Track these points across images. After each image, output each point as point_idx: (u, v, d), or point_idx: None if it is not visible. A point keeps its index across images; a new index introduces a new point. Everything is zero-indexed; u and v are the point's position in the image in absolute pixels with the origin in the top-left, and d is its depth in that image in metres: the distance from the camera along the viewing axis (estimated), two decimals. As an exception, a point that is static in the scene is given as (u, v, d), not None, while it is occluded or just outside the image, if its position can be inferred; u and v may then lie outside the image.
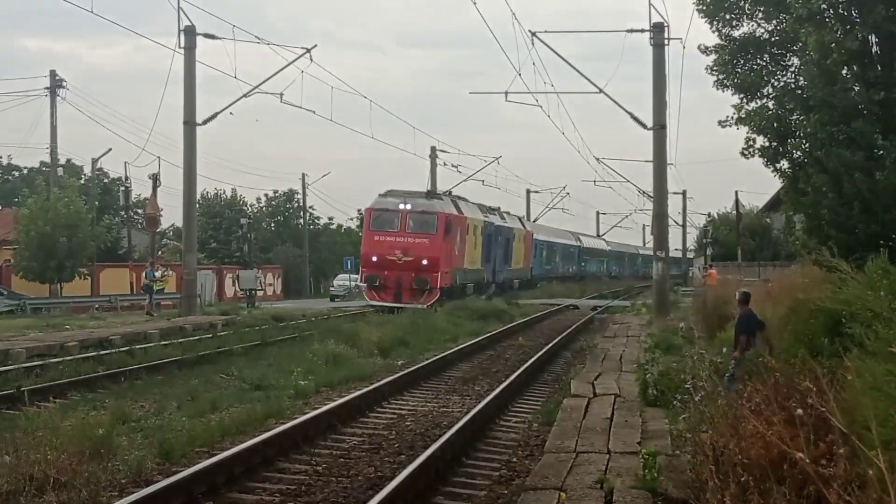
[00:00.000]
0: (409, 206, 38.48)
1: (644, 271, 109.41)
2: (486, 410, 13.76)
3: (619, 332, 28.73)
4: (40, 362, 18.00)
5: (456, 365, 20.69)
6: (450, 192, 43.92)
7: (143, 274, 35.35)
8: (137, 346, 21.55)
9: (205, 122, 34.52)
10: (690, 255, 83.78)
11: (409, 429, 13.08)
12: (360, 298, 45.12)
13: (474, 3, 27.54)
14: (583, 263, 79.83)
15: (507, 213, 54.65)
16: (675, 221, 72.47)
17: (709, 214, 75.69)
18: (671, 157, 67.32)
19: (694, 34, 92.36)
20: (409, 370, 18.39)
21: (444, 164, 56.58)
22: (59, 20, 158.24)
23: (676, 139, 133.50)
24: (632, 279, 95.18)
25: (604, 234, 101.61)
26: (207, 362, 19.38)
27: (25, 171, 70.91)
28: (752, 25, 17.91)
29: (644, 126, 33.64)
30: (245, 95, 34.01)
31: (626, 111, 34.12)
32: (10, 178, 72.56)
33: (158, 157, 48.94)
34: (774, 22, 17.45)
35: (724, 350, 13.87)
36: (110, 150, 64.16)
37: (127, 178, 50.02)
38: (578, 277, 75.61)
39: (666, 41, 33.00)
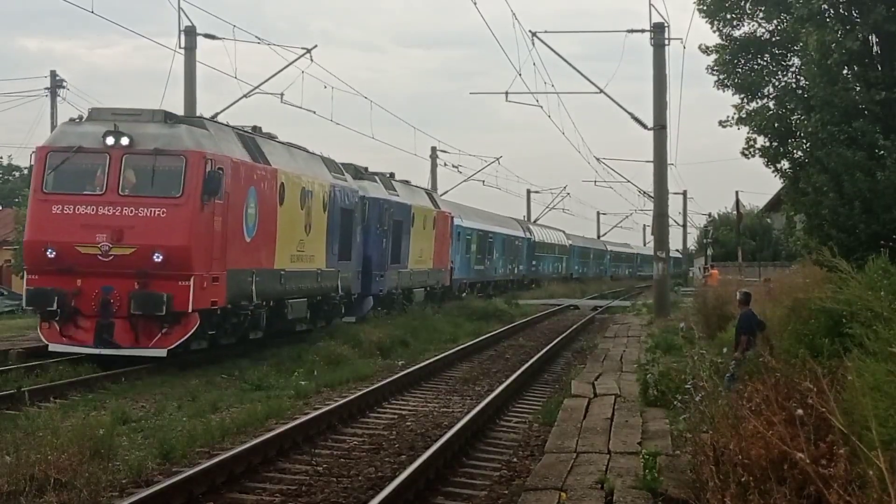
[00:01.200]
0: (126, 141, 18.02)
1: (613, 272, 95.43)
2: (487, 410, 13.76)
3: (619, 332, 28.76)
4: (40, 362, 17.99)
5: (456, 365, 20.69)
6: (255, 129, 22.44)
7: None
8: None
9: (204, 123, 34.37)
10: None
11: (410, 429, 13.08)
12: None
13: (474, 3, 27.55)
14: (534, 262, 61.81)
15: (406, 182, 34.73)
16: (675, 222, 72.30)
17: (709, 215, 75.82)
18: (671, 158, 67.13)
19: (694, 34, 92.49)
20: (409, 370, 18.40)
21: (445, 165, 56.20)
22: (59, 20, 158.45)
23: (677, 139, 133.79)
24: (598, 282, 78.59)
25: (604, 235, 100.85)
26: (208, 362, 19.38)
27: (26, 172, 70.81)
28: (753, 25, 17.91)
29: (644, 126, 33.65)
30: (245, 96, 33.89)
31: (627, 111, 34.16)
32: (10, 178, 72.52)
33: (159, 157, 48.73)
34: (775, 22, 17.44)
35: (725, 350, 13.89)
36: (111, 150, 63.77)
37: (127, 179, 49.86)
38: (528, 281, 59.49)
39: (666, 41, 33.01)
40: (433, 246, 36.61)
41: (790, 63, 17.84)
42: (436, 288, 37.15)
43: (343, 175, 26.78)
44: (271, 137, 22.94)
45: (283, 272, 21.73)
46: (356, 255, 27.36)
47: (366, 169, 30.10)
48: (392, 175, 32.92)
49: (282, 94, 33.10)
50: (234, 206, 19.30)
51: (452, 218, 40.41)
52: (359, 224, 27.56)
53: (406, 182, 34.86)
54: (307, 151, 24.94)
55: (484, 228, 48.94)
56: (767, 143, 17.43)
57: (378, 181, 30.55)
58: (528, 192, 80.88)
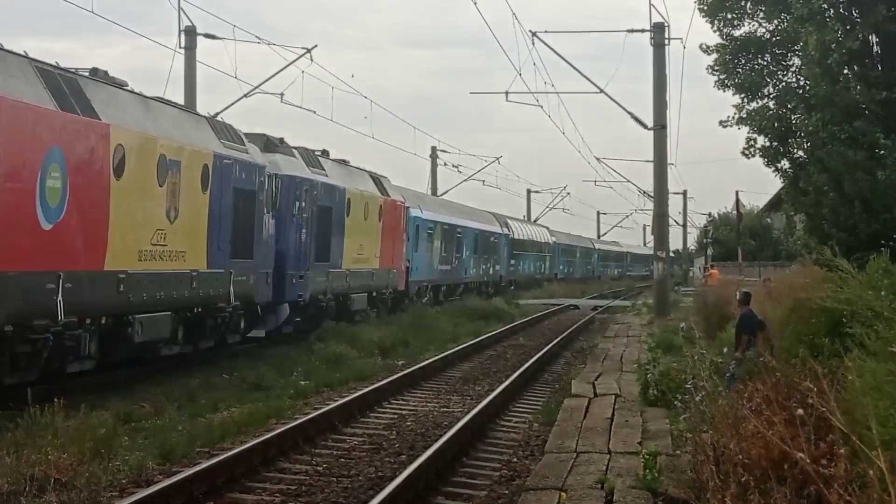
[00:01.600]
0: None
1: (602, 271, 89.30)
2: (487, 410, 13.76)
3: (619, 332, 28.78)
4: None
5: (456, 365, 20.69)
6: (96, 72, 15.36)
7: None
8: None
9: (204, 122, 34.10)
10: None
11: (410, 429, 13.08)
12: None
13: (474, 3, 27.55)
14: (513, 261, 54.02)
15: (342, 161, 27.46)
16: (675, 221, 72.23)
17: (709, 214, 75.81)
18: (672, 157, 66.87)
19: (694, 34, 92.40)
20: (409, 370, 18.40)
21: (445, 165, 56.04)
22: (59, 20, 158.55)
23: (677, 139, 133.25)
24: (587, 283, 71.88)
25: (604, 234, 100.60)
26: (208, 363, 19.37)
27: None
28: (753, 25, 17.95)
29: (644, 126, 33.65)
30: (245, 95, 33.84)
31: (627, 111, 34.15)
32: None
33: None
34: (775, 22, 17.47)
35: (725, 350, 13.87)
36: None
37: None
38: (507, 282, 51.99)
39: (666, 41, 33.00)
40: (379, 241, 28.94)
41: (790, 63, 17.88)
42: (384, 292, 29.56)
43: (241, 144, 19.38)
44: (118, 84, 15.67)
45: (123, 275, 14.72)
46: (262, 251, 19.96)
47: (281, 140, 22.69)
48: (325, 152, 26.03)
49: (282, 94, 32.99)
50: (13, 175, 12.36)
51: (408, 208, 33.03)
52: (266, 210, 20.28)
53: (343, 161, 27.39)
54: (185, 110, 18.69)
55: (450, 222, 40.63)
56: (768, 143, 17.45)
57: (297, 156, 23.12)
58: (529, 191, 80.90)
